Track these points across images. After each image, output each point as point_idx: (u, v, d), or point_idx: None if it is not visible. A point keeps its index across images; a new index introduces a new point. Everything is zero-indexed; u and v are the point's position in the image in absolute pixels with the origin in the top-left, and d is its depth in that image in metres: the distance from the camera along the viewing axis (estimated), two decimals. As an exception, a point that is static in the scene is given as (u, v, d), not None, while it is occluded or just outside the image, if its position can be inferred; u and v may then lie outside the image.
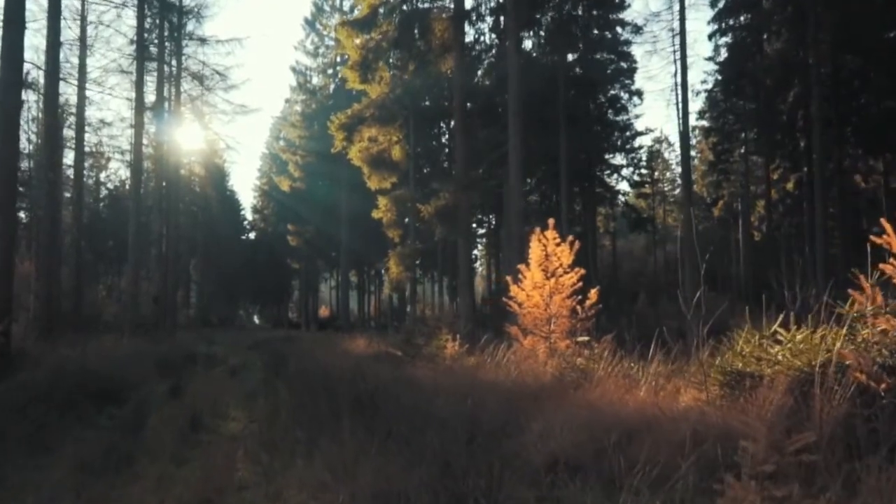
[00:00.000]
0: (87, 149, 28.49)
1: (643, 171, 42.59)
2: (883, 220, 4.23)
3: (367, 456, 4.20)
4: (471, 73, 25.56)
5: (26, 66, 14.77)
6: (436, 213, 20.53)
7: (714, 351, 5.39)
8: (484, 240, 43.24)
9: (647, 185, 45.12)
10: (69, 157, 26.57)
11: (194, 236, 49.05)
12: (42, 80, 21.87)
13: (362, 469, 4.01)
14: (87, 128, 25.27)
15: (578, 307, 8.96)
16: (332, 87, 38.91)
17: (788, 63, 26.05)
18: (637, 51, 55.83)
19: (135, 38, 23.23)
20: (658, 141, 49.42)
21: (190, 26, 27.74)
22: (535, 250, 9.40)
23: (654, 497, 3.17)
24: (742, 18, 28.24)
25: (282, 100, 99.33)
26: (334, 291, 58.31)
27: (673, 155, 50.50)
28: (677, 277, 33.28)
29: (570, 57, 30.06)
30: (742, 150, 33.94)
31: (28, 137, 28.32)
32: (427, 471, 3.82)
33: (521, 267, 9.71)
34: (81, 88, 23.01)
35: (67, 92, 23.90)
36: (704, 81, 34.53)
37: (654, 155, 47.90)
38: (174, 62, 27.41)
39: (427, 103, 27.23)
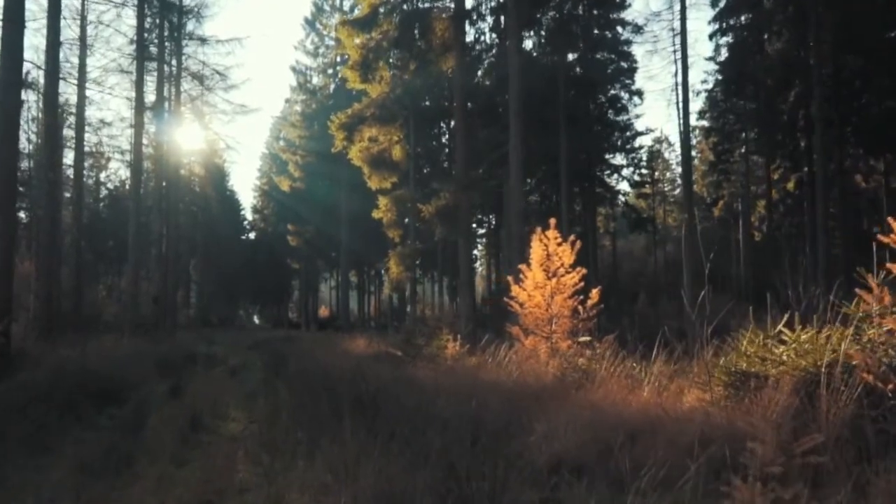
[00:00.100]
0: (86, 149, 28.47)
1: (643, 171, 42.57)
2: (891, 220, 4.18)
3: (370, 457, 4.15)
4: (471, 73, 25.53)
5: (26, 66, 14.75)
6: (436, 213, 20.50)
7: (717, 351, 5.36)
8: (484, 240, 43.22)
9: (647, 186, 45.09)
10: (69, 157, 26.57)
11: (194, 236, 49.01)
12: (42, 80, 21.86)
13: (364, 470, 3.97)
14: (86, 127, 25.24)
15: (580, 307, 8.94)
16: (332, 86, 38.88)
17: (789, 63, 26.02)
18: (637, 50, 55.93)
19: (135, 37, 23.21)
20: (658, 141, 49.45)
21: (190, 26, 27.74)
22: (536, 250, 9.37)
23: (661, 499, 3.13)
24: (743, 18, 28.18)
25: (282, 100, 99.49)
26: (334, 291, 58.29)
27: (673, 155, 50.54)
28: (677, 278, 33.27)
29: (570, 57, 30.05)
30: (742, 150, 33.90)
31: (28, 137, 28.31)
32: (430, 472, 3.78)
33: (523, 267, 9.69)
34: (81, 88, 22.99)
35: (67, 92, 23.90)
36: (705, 81, 34.54)
37: (654, 155, 47.88)
38: (174, 62, 27.38)
39: (427, 103, 27.21)
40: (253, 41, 36.08)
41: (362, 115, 22.01)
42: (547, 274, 9.21)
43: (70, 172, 26.72)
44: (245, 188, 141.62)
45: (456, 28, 19.73)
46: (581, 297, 9.02)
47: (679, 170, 40.59)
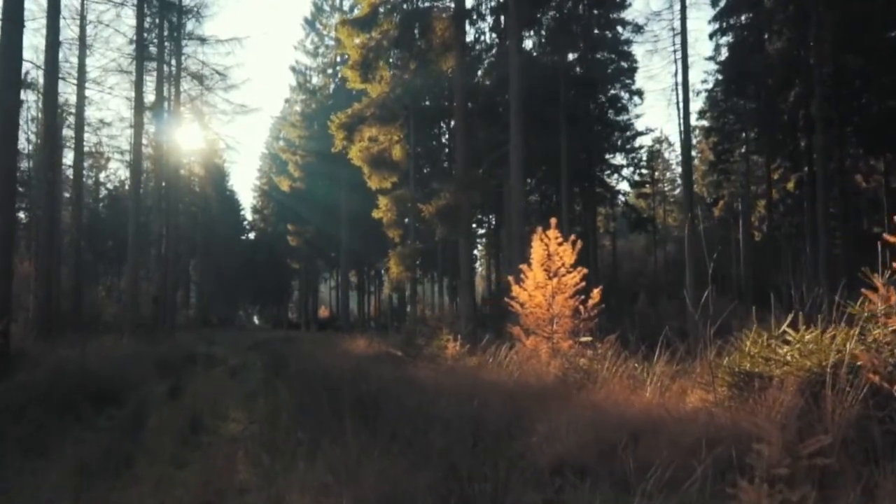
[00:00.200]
0: (86, 149, 28.45)
1: (643, 171, 42.59)
2: (896, 218, 4.15)
3: (371, 458, 4.13)
4: (471, 72, 25.50)
5: (26, 66, 14.73)
6: (437, 213, 20.47)
7: (720, 352, 5.32)
8: (484, 240, 43.20)
9: (647, 185, 45.09)
10: (68, 157, 26.57)
11: (194, 236, 48.99)
12: (41, 80, 21.81)
13: (366, 471, 3.94)
14: (86, 127, 25.23)
15: (581, 307, 8.91)
16: (331, 86, 38.84)
17: (790, 62, 25.98)
18: (638, 50, 55.91)
19: (134, 37, 23.16)
20: (658, 141, 49.42)
21: (190, 26, 27.71)
22: (537, 250, 9.35)
23: (667, 501, 3.10)
24: (743, 17, 28.13)
25: (282, 100, 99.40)
26: (334, 292, 58.29)
27: (673, 155, 50.52)
28: (677, 277, 33.25)
29: (570, 56, 30.01)
30: (743, 150, 33.87)
31: (27, 137, 28.30)
32: (432, 473, 3.76)
33: (524, 267, 9.67)
34: (81, 88, 22.97)
35: (67, 91, 23.86)
36: (705, 81, 34.52)
37: (654, 155, 47.87)
38: (174, 62, 27.34)
39: (427, 103, 27.18)
40: (253, 41, 36.26)
41: (362, 115, 21.98)
42: (548, 274, 9.19)
43: (69, 172, 26.71)
44: (245, 188, 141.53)
45: (456, 27, 19.71)
46: (582, 296, 8.99)
47: (679, 170, 40.61)
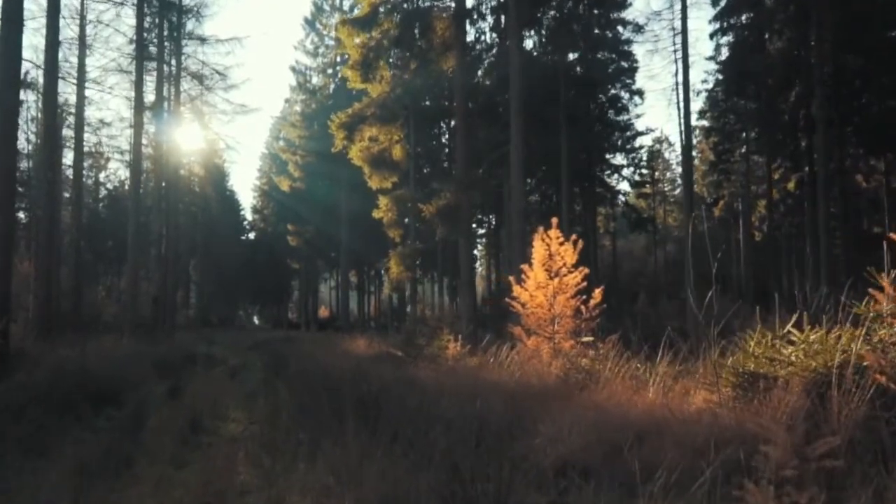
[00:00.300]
0: (86, 149, 28.40)
1: (643, 171, 42.56)
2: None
3: (372, 459, 4.09)
4: (471, 72, 25.46)
5: (25, 66, 14.71)
6: (437, 213, 20.44)
7: (722, 352, 5.29)
8: (483, 240, 43.18)
9: (647, 185, 45.05)
10: (68, 157, 26.54)
11: (194, 236, 48.95)
12: (41, 80, 21.77)
13: (367, 473, 3.91)
14: (86, 127, 25.19)
15: (583, 307, 8.88)
16: (331, 86, 38.81)
17: (790, 62, 25.94)
18: (638, 50, 55.87)
19: (134, 37, 23.11)
20: (658, 141, 49.39)
21: (189, 25, 27.65)
22: (538, 250, 9.31)
23: (674, 503, 3.07)
24: (744, 17, 28.09)
25: (282, 100, 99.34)
26: (334, 292, 58.26)
27: (673, 155, 50.48)
28: (677, 277, 33.21)
29: (570, 56, 29.99)
30: (743, 150, 33.83)
31: (27, 137, 28.29)
32: (435, 474, 3.72)
33: (525, 267, 9.63)
34: (81, 88, 22.94)
35: (67, 91, 23.83)
36: (705, 81, 34.34)
37: (654, 155, 47.84)
38: (174, 61, 27.30)
39: (427, 103, 27.16)
40: (253, 41, 36.16)
41: (362, 115, 21.95)
42: (549, 274, 9.15)
43: (69, 172, 26.68)
44: (245, 188, 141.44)
45: (457, 27, 19.68)
46: (583, 297, 8.96)
47: (679, 170, 40.57)
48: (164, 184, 27.28)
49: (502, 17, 23.53)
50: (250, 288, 58.73)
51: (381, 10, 20.54)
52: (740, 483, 2.86)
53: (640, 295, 29.39)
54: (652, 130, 63.13)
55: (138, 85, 22.64)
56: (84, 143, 25.85)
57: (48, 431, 6.53)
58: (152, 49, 25.76)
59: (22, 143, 26.76)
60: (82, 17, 22.65)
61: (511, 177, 18.24)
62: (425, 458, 4.08)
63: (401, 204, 22.88)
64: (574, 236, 9.47)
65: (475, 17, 22.81)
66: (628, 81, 32.60)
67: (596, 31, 29.68)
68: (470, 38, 25.18)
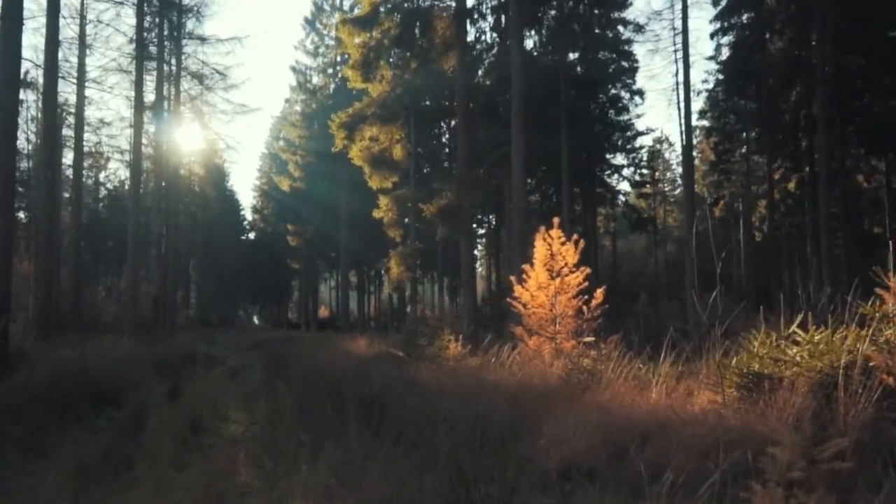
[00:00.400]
0: (86, 148, 28.39)
1: (644, 171, 42.53)
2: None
3: (375, 460, 4.06)
4: (472, 72, 25.43)
5: (25, 65, 14.68)
6: (438, 213, 20.42)
7: (725, 352, 5.25)
8: (483, 240, 43.15)
9: (647, 186, 45.01)
10: (68, 157, 26.52)
11: (194, 236, 48.90)
12: (41, 79, 21.72)
13: (370, 474, 3.87)
14: (86, 127, 25.16)
15: (584, 307, 8.84)
16: (332, 86, 38.78)
17: (791, 62, 25.90)
18: (639, 50, 55.84)
19: (134, 36, 23.07)
20: (659, 141, 49.34)
21: (190, 25, 27.61)
22: (540, 249, 9.28)
23: (680, 506, 3.04)
24: (745, 17, 28.04)
25: (282, 99, 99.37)
26: (334, 292, 58.22)
27: (673, 155, 50.42)
28: (677, 278, 33.18)
29: (571, 56, 29.95)
30: (743, 150, 33.79)
31: (27, 137, 28.24)
32: (438, 476, 3.69)
33: (526, 267, 9.60)
34: (81, 87, 22.91)
35: (66, 91, 23.79)
36: (706, 81, 34.28)
37: (654, 155, 47.80)
38: (174, 61, 27.26)
39: (428, 103, 27.13)
40: (253, 40, 36.01)
41: (363, 115, 21.92)
42: (550, 274, 9.12)
43: (69, 172, 26.66)
44: (245, 188, 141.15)
45: (457, 26, 19.66)
46: (585, 297, 8.93)
47: (679, 170, 40.54)
48: (164, 184, 27.25)
49: (503, 17, 23.48)
50: (250, 288, 58.70)
51: (382, 9, 20.51)
52: (747, 485, 2.83)
53: (641, 295, 29.39)
54: (652, 130, 63.13)
55: (138, 84, 22.61)
56: (84, 143, 25.83)
57: (48, 432, 6.50)
58: (152, 49, 25.73)
59: (22, 143, 26.75)
60: (82, 17, 22.65)
61: (512, 176, 18.21)
62: (428, 459, 4.05)
63: (401, 204, 22.86)
64: (575, 236, 9.44)
65: (476, 16, 22.77)
66: (629, 81, 32.59)
67: (596, 30, 29.63)
68: (470, 37, 25.13)
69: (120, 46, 32.67)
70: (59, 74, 19.27)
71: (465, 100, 20.58)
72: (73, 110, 24.43)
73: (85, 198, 34.70)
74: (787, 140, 29.49)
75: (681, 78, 23.16)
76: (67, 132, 25.88)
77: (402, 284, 27.31)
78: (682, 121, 23.07)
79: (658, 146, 49.16)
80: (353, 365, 10.34)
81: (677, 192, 48.86)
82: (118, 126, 31.64)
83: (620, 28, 30.01)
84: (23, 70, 14.04)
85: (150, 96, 24.89)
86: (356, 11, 25.88)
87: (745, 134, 32.71)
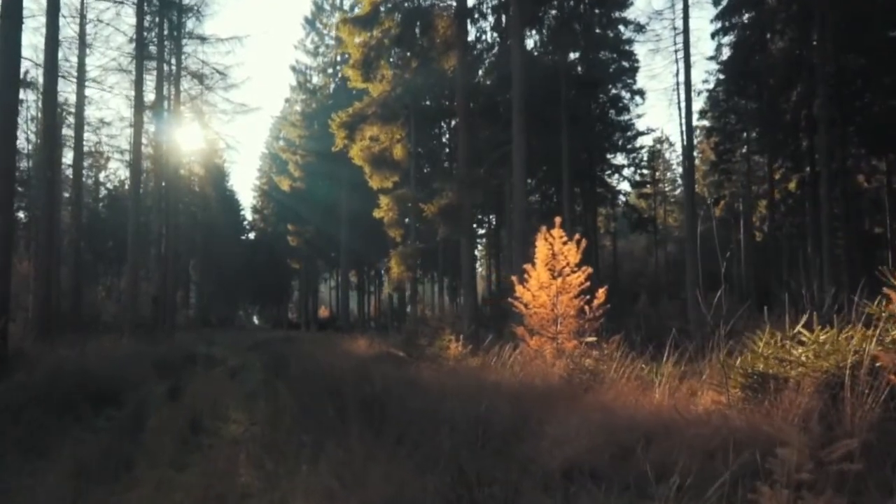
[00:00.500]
0: (86, 148, 28.36)
1: (644, 171, 42.50)
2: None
3: (377, 461, 4.02)
4: (472, 72, 25.41)
5: (25, 65, 14.67)
6: (439, 213, 20.38)
7: (728, 352, 5.22)
8: (484, 240, 43.11)
9: (648, 186, 44.98)
10: (68, 157, 26.47)
11: (194, 236, 48.86)
12: (41, 79, 21.67)
13: (372, 475, 3.84)
14: (86, 127, 25.16)
15: (586, 307, 8.82)
16: (332, 86, 38.75)
17: (792, 62, 25.86)
18: (639, 49, 55.75)
19: (134, 36, 23.04)
20: (659, 141, 49.30)
21: (190, 25, 27.59)
22: (541, 249, 9.26)
23: (687, 508, 3.00)
24: (745, 17, 28.00)
25: (282, 99, 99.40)
26: (334, 292, 58.19)
27: (674, 155, 50.38)
28: (678, 278, 33.14)
29: (571, 56, 29.92)
30: (744, 150, 33.77)
31: (27, 137, 28.20)
32: (440, 477, 3.66)
33: (527, 267, 9.57)
34: (81, 87, 22.90)
35: (66, 91, 23.79)
36: (706, 81, 34.28)
37: (655, 155, 47.76)
38: (174, 61, 27.23)
39: (428, 102, 27.10)
40: (253, 40, 36.07)
41: (363, 114, 21.88)
42: (552, 273, 9.09)
43: (69, 172, 26.62)
44: (245, 188, 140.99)
45: (458, 26, 19.62)
46: (587, 296, 8.90)
47: (680, 170, 40.52)
48: (163, 184, 27.22)
49: (503, 17, 23.46)
50: (250, 288, 58.67)
51: (383, 8, 20.48)
52: (755, 486, 2.80)
53: (641, 295, 29.37)
54: (653, 130, 63.04)
55: (138, 84, 22.58)
56: (84, 143, 25.82)
57: (48, 432, 6.47)
58: (152, 48, 25.70)
59: (22, 143, 26.71)
60: (82, 16, 22.64)
61: (513, 176, 18.18)
62: (430, 459, 4.02)
63: (401, 203, 22.82)
64: (577, 235, 9.42)
65: (476, 16, 22.74)
66: (629, 81, 32.55)
67: (597, 30, 29.60)
68: (471, 37, 25.11)
69: (120, 46, 32.75)
70: (59, 74, 19.24)
71: (465, 99, 20.55)
72: (73, 110, 24.41)
73: (85, 197, 34.67)
74: (787, 140, 29.45)
75: (681, 78, 23.12)
76: (67, 132, 25.86)
77: (403, 284, 27.27)
78: (683, 121, 23.02)
79: (658, 146, 49.15)
80: (354, 365, 10.31)
81: (678, 192, 48.83)
82: (118, 126, 31.66)
83: (621, 28, 30.00)
84: (23, 69, 14.04)
85: (150, 96, 24.88)
86: (356, 11, 25.85)
87: (745, 134, 32.68)
